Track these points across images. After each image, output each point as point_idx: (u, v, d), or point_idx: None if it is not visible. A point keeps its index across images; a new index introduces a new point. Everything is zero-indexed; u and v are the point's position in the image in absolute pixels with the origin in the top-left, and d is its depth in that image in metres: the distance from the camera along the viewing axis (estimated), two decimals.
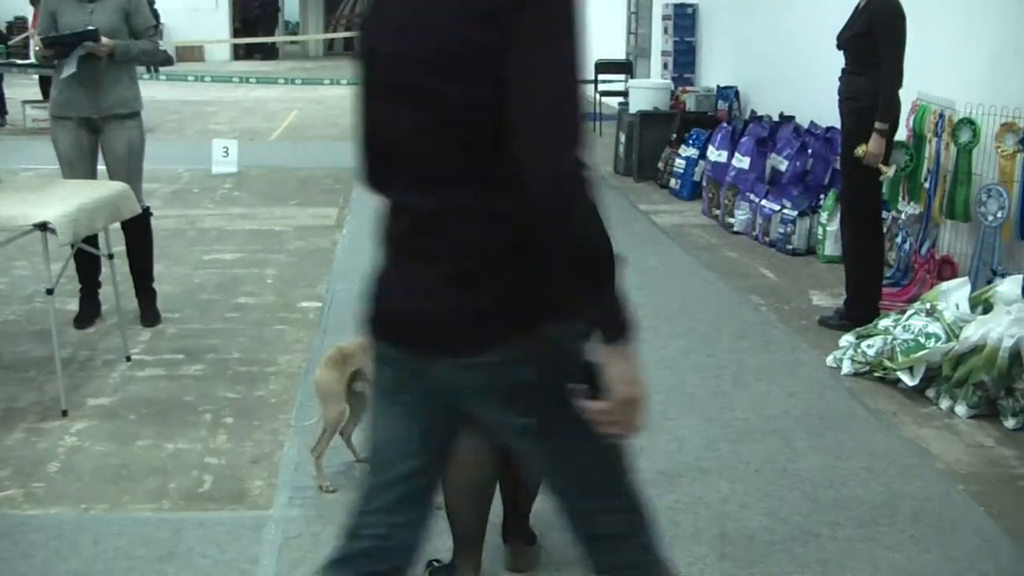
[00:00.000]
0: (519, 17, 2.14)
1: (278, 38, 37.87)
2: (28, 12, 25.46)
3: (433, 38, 2.22)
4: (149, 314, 7.07)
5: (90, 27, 6.51)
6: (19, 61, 15.79)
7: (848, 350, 6.21)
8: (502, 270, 2.31)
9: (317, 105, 20.69)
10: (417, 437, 2.56)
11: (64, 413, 5.47)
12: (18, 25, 25.39)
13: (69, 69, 6.52)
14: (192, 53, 33.82)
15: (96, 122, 6.73)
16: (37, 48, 6.69)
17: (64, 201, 5.54)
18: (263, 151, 14.70)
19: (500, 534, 4.06)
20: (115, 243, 6.47)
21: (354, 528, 2.62)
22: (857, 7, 6.84)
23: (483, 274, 2.31)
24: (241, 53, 35.43)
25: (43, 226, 5.27)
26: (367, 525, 2.60)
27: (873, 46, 6.53)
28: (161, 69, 23.94)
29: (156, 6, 30.05)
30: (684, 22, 15.41)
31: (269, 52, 36.46)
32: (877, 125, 6.51)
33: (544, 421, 2.44)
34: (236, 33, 36.46)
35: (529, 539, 4.08)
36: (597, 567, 2.61)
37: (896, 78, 6.51)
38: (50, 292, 5.54)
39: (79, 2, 6.65)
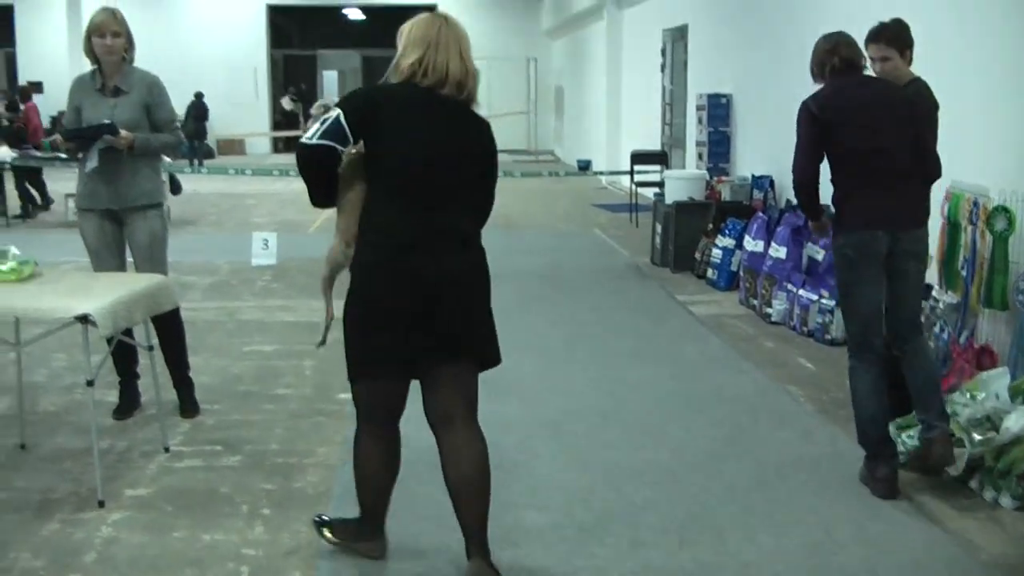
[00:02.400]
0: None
1: None
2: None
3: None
4: (188, 405, 7.07)
5: (107, 121, 6.59)
6: (62, 155, 16.07)
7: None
8: (926, 200, 5.95)
9: None
10: (884, 284, 5.77)
11: (101, 504, 5.44)
12: (60, 120, 25.82)
13: (92, 163, 6.62)
14: (233, 146, 34.23)
15: (119, 214, 6.80)
16: (58, 140, 6.81)
17: (104, 294, 5.56)
18: (302, 243, 14.76)
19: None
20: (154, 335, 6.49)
21: (873, 344, 5.75)
22: None
23: (926, 200, 5.93)
24: (281, 146, 35.81)
25: (84, 318, 5.29)
26: (878, 337, 5.78)
27: None
28: (204, 162, 24.21)
29: (205, 99, 30.62)
30: (718, 112, 15.47)
31: None
32: None
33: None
34: (276, 126, 36.90)
35: (486, 554, 4.48)
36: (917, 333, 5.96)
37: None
38: (90, 384, 5.54)
39: (102, 96, 6.75)
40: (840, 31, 6.11)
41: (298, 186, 23.12)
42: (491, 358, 4.65)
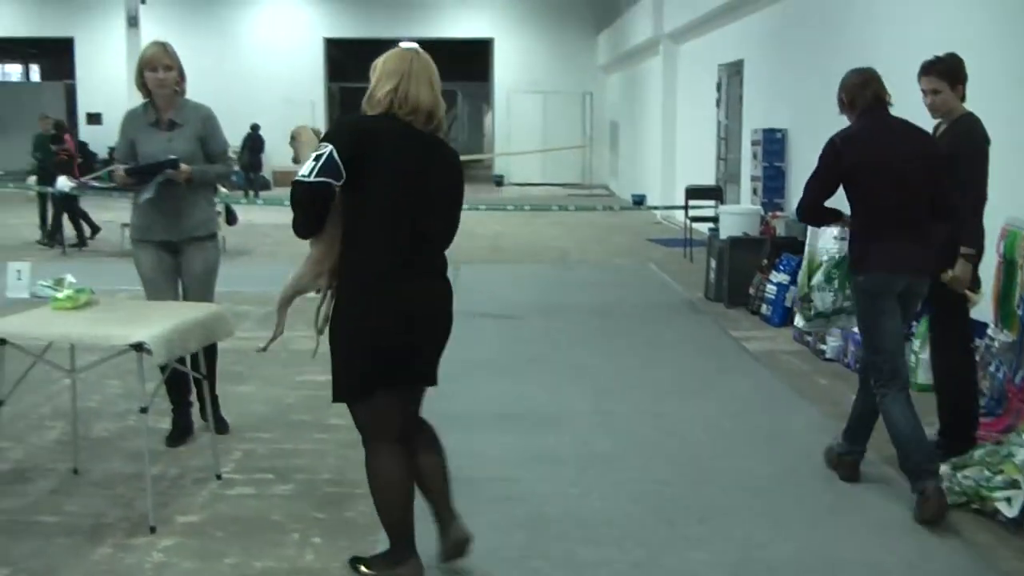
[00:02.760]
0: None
1: None
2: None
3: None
4: (220, 423, 7.11)
5: (172, 156, 6.66)
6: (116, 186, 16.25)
7: (944, 481, 6.04)
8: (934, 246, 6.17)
9: None
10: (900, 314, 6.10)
11: (152, 530, 5.48)
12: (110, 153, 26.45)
13: (147, 194, 6.72)
14: (289, 178, 34.38)
15: (176, 244, 6.87)
16: (119, 174, 6.86)
17: (159, 322, 5.61)
18: None
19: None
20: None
21: (900, 372, 6.04)
22: (935, 129, 6.75)
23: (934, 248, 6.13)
24: None
25: (139, 346, 5.33)
26: (904, 366, 6.12)
27: (956, 169, 6.42)
28: (260, 194, 24.35)
29: (260, 131, 30.88)
30: (773, 147, 15.44)
31: None
32: (962, 250, 6.40)
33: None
34: None
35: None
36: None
37: (979, 202, 6.44)
38: (144, 411, 5.58)
39: (157, 130, 6.84)
40: (869, 67, 6.28)
41: None
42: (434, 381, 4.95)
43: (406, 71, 4.64)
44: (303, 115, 35.37)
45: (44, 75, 51.50)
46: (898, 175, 5.99)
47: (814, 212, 6.46)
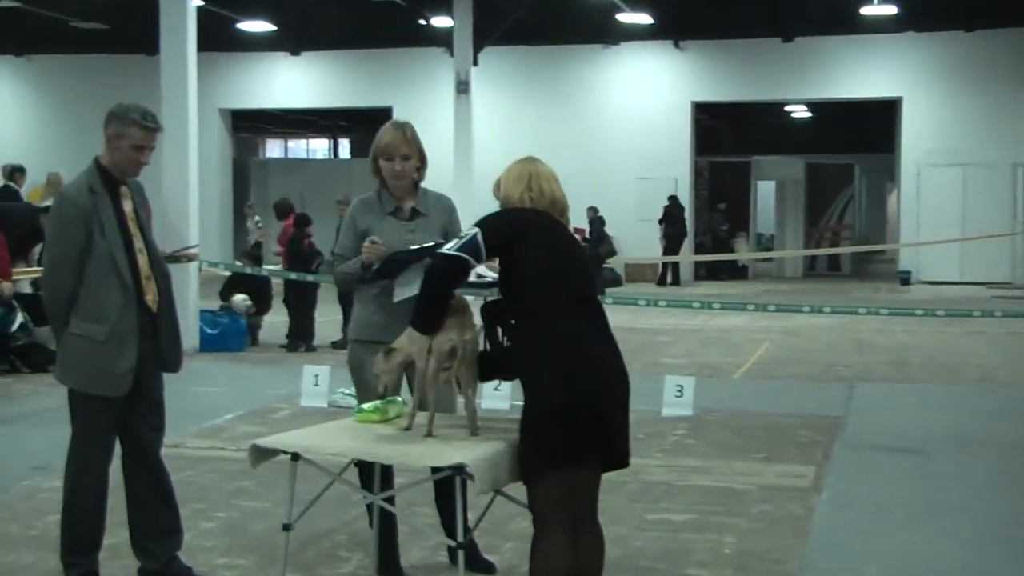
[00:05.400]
0: None
1: (747, 255, 38.34)
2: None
3: None
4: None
5: (430, 243, 6.61)
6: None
7: None
8: None
9: (793, 337, 20.82)
10: None
11: None
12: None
13: (408, 291, 6.59)
14: (644, 272, 34.71)
15: None
16: (335, 263, 7.01)
17: (482, 443, 5.68)
18: (724, 391, 14.77)
19: None
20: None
21: None
22: None
23: None
24: (703, 273, 36.07)
25: (459, 469, 5.41)
26: None
27: None
28: (607, 291, 24.65)
29: (600, 213, 31.36)
30: None
31: (736, 272, 36.98)
32: None
33: None
34: (699, 248, 37.16)
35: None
36: None
37: None
38: (460, 547, 5.66)
39: (396, 220, 6.96)
40: None
41: (722, 321, 23.26)
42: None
43: (532, 172, 5.87)
44: (661, 193, 35.56)
45: (354, 151, 53.72)
46: None
47: None
